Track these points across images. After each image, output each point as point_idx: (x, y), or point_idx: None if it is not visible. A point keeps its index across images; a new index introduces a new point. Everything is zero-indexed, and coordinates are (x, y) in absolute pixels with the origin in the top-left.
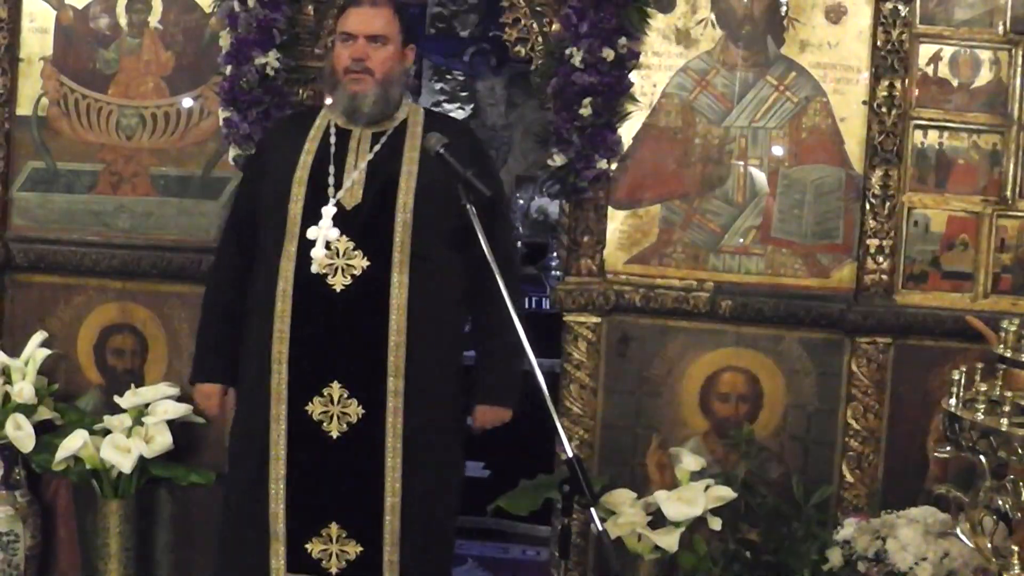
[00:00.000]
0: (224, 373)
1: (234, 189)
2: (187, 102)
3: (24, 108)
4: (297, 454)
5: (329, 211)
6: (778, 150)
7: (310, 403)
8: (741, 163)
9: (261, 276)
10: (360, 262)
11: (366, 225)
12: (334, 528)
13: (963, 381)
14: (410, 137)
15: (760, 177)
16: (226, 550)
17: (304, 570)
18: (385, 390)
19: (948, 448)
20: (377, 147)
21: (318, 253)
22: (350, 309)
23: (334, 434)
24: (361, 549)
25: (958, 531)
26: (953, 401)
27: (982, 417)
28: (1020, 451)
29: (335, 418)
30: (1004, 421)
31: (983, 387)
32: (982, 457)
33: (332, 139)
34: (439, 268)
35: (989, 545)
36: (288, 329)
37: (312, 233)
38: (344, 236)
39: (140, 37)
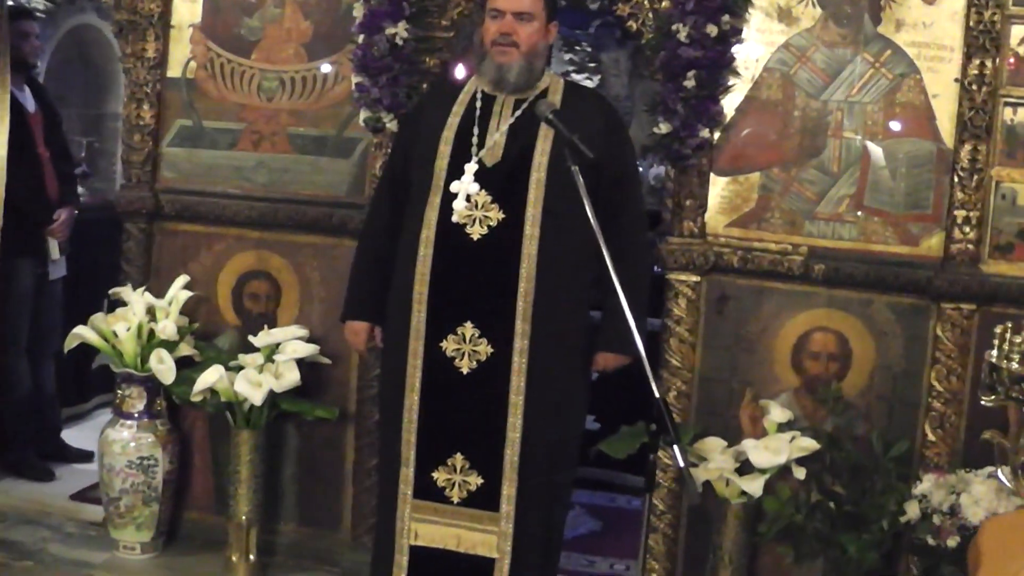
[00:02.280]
0: (373, 312)
1: (365, 147)
2: (324, 67)
3: (174, 71)
4: (431, 387)
5: (471, 167)
6: (873, 123)
7: (445, 340)
8: (840, 134)
9: (409, 225)
10: (496, 214)
11: (504, 182)
12: (459, 459)
13: (1008, 336)
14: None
15: (875, 150)
16: (380, 471)
17: (429, 497)
18: (513, 332)
19: (992, 397)
20: (519, 112)
21: (459, 204)
22: (485, 256)
23: (465, 370)
24: (482, 481)
25: (999, 473)
26: (995, 352)
27: (1016, 366)
28: None
29: (466, 355)
30: None
31: (1018, 339)
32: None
33: (478, 103)
34: (569, 225)
35: None
36: (429, 272)
37: (455, 187)
38: (483, 191)
39: (282, 7)
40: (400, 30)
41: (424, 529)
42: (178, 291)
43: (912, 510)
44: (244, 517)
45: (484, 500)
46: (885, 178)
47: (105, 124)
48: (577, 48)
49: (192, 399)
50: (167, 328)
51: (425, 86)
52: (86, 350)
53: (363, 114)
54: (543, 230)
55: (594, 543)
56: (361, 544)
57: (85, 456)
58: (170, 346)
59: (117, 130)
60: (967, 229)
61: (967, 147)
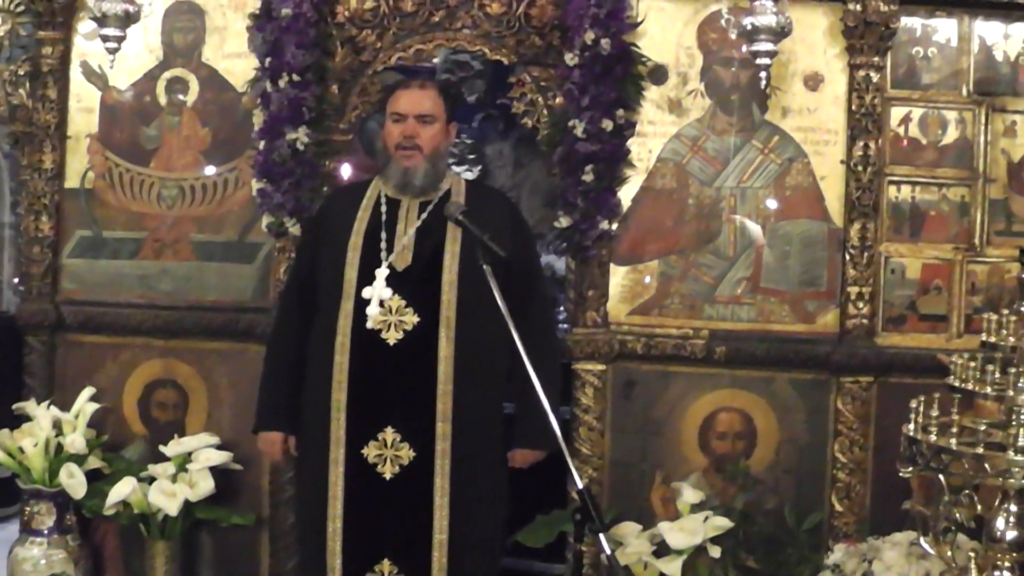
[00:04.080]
0: (286, 421)
1: (268, 251)
2: (208, 171)
3: (72, 181)
4: (354, 495)
5: (382, 273)
6: (765, 207)
7: (366, 447)
8: (733, 219)
9: (320, 332)
10: (411, 318)
11: (416, 285)
12: (386, 565)
13: (922, 408)
14: None
15: (754, 228)
16: None
17: None
18: (434, 434)
19: (910, 468)
20: (424, 215)
21: (373, 310)
22: (403, 360)
23: (387, 475)
24: None
25: (921, 541)
26: (912, 426)
27: (935, 438)
28: (966, 466)
29: (388, 460)
30: (953, 441)
31: (934, 412)
32: (941, 476)
33: (383, 208)
34: (483, 324)
35: (949, 553)
36: (346, 379)
37: (367, 292)
38: (396, 295)
39: (179, 115)
40: (301, 135)
41: None
42: (84, 403)
43: None
44: None
45: None
46: (779, 259)
47: None
48: (457, 140)
49: (105, 512)
50: (75, 442)
51: (326, 189)
52: None
53: (266, 219)
54: (458, 331)
55: None
56: None
57: None
58: (79, 459)
59: (2, 240)
60: (860, 304)
61: (856, 225)
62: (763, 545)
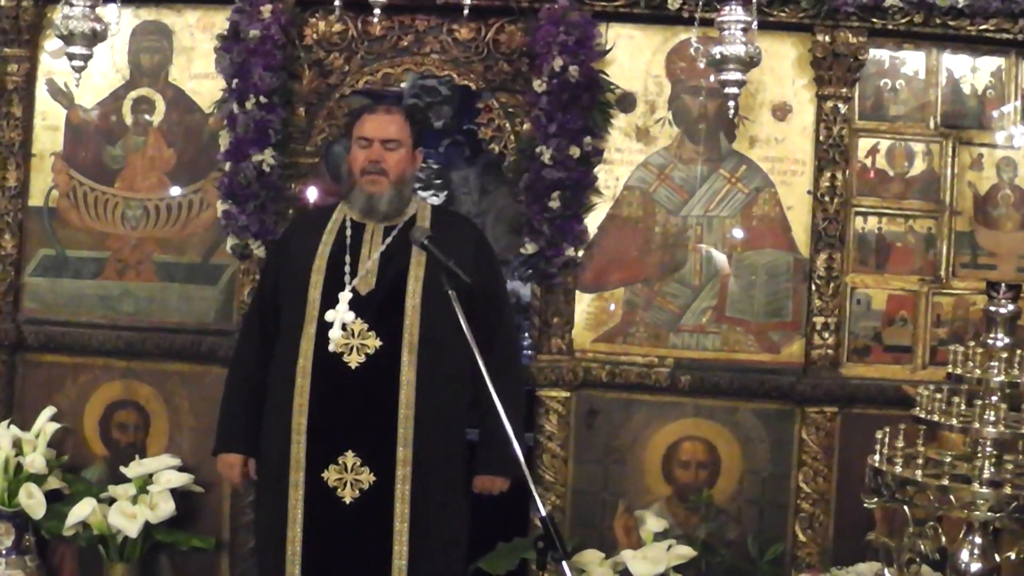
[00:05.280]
0: (246, 444)
1: (232, 274)
2: (174, 192)
3: (36, 199)
4: (313, 519)
5: (345, 296)
6: (731, 237)
7: (326, 470)
8: (699, 248)
9: (283, 354)
10: (374, 342)
11: (379, 309)
12: None
13: (887, 440)
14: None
15: (720, 258)
16: None
17: None
18: (395, 459)
19: (875, 499)
20: (389, 239)
21: (335, 334)
22: (364, 384)
23: (347, 499)
24: None
25: (886, 572)
26: (877, 457)
27: (900, 470)
28: (932, 498)
29: (348, 484)
30: (919, 472)
31: (899, 443)
32: (906, 507)
33: (348, 231)
34: (446, 349)
35: None
36: (307, 402)
37: (330, 316)
38: (359, 319)
39: (144, 135)
40: (267, 157)
41: None
42: (45, 423)
43: None
44: None
45: None
46: (745, 289)
47: None
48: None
49: (64, 533)
50: (35, 461)
51: (291, 212)
52: None
53: (230, 241)
54: (420, 356)
55: None
56: None
57: None
58: (39, 480)
59: None
60: (826, 335)
61: (822, 256)
62: (725, 575)
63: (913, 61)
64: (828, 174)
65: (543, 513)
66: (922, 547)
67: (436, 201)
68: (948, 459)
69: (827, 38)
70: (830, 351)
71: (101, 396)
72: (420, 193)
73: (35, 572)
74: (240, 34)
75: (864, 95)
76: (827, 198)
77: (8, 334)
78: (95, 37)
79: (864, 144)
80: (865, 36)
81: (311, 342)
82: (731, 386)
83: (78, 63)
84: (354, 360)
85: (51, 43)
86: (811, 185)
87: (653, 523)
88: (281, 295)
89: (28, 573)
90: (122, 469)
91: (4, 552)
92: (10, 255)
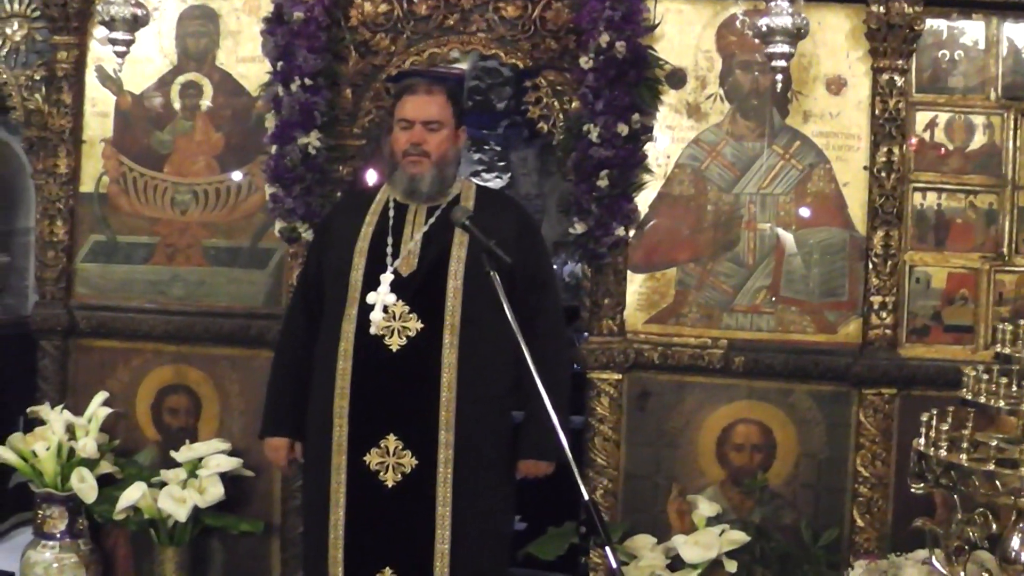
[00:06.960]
0: (292, 427)
1: (281, 258)
2: (236, 177)
3: (87, 186)
4: (355, 502)
5: (387, 278)
6: (785, 214)
7: (368, 454)
8: (757, 227)
9: (325, 337)
10: (415, 324)
11: (420, 291)
12: (388, 574)
13: (933, 423)
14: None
15: (787, 237)
16: None
17: None
18: (437, 443)
19: (921, 484)
20: (432, 220)
21: (376, 316)
22: (405, 367)
23: (389, 483)
24: None
25: (933, 560)
26: (922, 440)
27: (944, 454)
28: (977, 484)
29: (391, 468)
30: (963, 456)
31: (944, 427)
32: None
33: (391, 213)
34: (488, 331)
35: (962, 573)
36: (349, 385)
37: (371, 298)
38: (400, 301)
39: (192, 119)
40: (312, 139)
41: None
42: (97, 408)
43: None
44: None
45: None
46: (800, 267)
47: (15, 240)
48: (486, 148)
49: (115, 517)
50: (88, 446)
51: (339, 194)
52: (1, 469)
53: (278, 224)
54: (462, 338)
55: None
56: None
57: None
58: (91, 464)
59: (28, 246)
60: (884, 314)
61: (879, 233)
62: (779, 561)
63: (972, 31)
64: (885, 149)
65: (587, 498)
66: (971, 534)
67: (500, 183)
68: (995, 443)
69: (882, 8)
70: (888, 331)
71: (152, 381)
72: (485, 176)
73: (88, 555)
74: (284, 16)
75: (921, 67)
76: (884, 174)
77: (60, 320)
78: (136, 22)
79: (922, 117)
80: (921, 5)
81: (353, 324)
82: (786, 367)
83: (120, 48)
84: (395, 343)
85: (100, 30)
86: (867, 160)
87: (706, 507)
88: (324, 277)
89: (81, 556)
90: (172, 454)
91: (58, 535)
92: (62, 241)
